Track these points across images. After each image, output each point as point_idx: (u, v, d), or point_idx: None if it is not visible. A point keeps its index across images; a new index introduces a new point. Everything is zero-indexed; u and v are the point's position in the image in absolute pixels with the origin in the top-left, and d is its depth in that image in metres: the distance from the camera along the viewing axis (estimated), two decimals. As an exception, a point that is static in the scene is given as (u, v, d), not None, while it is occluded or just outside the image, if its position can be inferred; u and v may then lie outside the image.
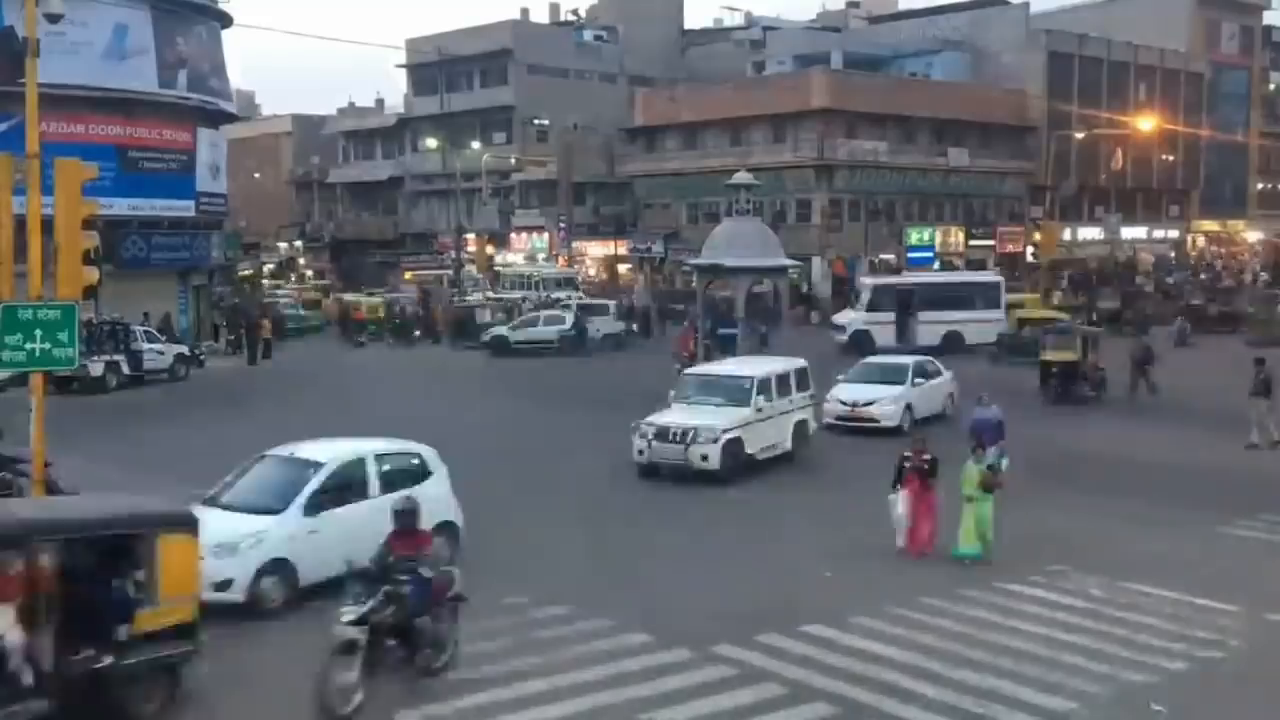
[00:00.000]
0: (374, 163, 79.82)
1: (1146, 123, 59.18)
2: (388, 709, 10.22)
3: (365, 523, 12.27)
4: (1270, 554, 15.61)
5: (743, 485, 19.36)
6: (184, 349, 36.56)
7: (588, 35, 74.38)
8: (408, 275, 69.89)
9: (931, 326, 38.67)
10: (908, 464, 15.21)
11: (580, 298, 49.53)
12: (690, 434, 19.46)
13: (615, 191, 68.27)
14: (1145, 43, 70.45)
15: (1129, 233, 70.14)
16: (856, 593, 13.55)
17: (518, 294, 52.65)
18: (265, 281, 71.38)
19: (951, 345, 36.86)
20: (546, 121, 65.69)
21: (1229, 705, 10.68)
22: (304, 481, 13.32)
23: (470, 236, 60.05)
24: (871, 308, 40.07)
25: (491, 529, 15.39)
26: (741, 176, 33.06)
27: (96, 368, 31.39)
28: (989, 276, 44.51)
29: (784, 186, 56.05)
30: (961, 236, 61.72)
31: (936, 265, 60.01)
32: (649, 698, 10.45)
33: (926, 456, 15.25)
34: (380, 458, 14.22)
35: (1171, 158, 72.77)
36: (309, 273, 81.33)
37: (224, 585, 12.24)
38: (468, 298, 52.12)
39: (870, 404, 24.26)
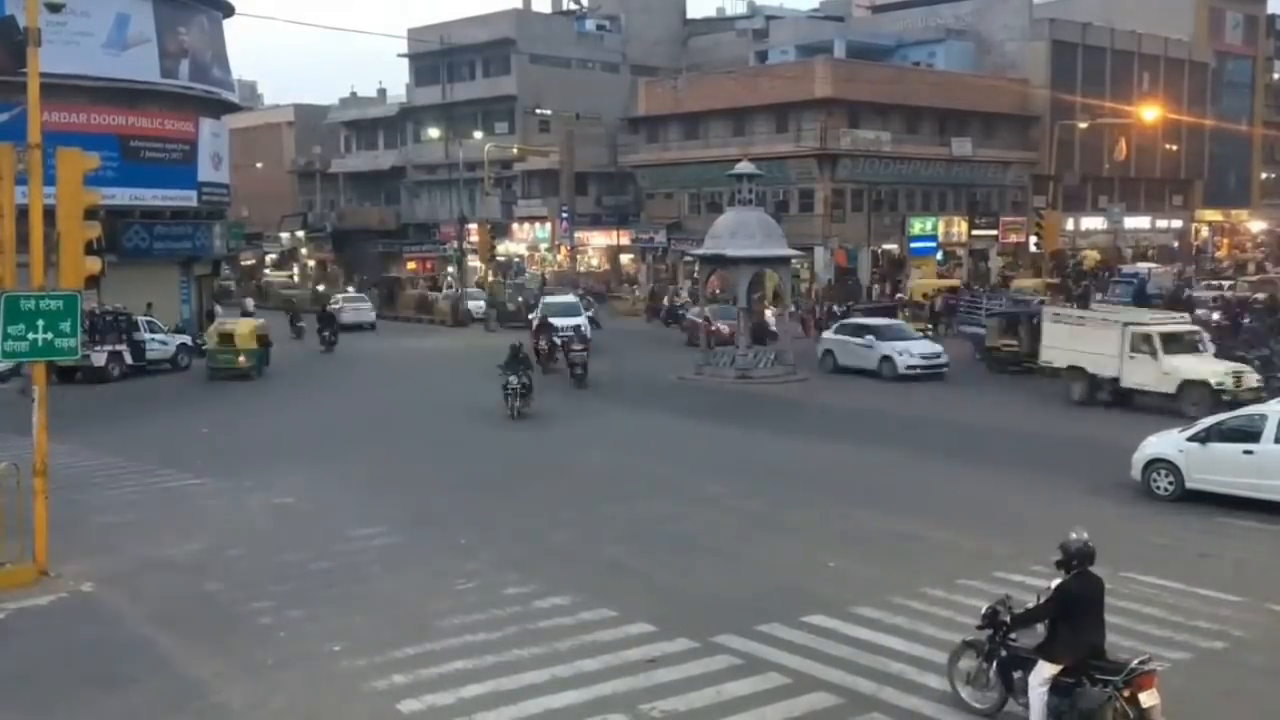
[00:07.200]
0: (376, 153, 79.76)
1: (1150, 112, 58.94)
2: (390, 697, 10.26)
3: None
4: (1272, 544, 15.60)
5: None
6: (186, 339, 36.76)
7: (590, 25, 74.25)
8: (410, 264, 69.99)
9: None
10: None
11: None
12: None
13: (618, 181, 68.24)
14: (1149, 31, 70.30)
15: (1132, 223, 70.10)
16: (858, 583, 13.55)
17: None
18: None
19: None
20: (549, 111, 65.60)
21: (1230, 695, 10.67)
22: None
23: (472, 226, 60.03)
24: None
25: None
26: (744, 166, 33.13)
27: (99, 358, 31.41)
28: None
29: (787, 176, 55.98)
30: (965, 227, 61.69)
31: (939, 255, 60.06)
32: (651, 687, 10.46)
33: None
34: None
35: (1175, 147, 72.59)
36: (311, 263, 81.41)
37: None
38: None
39: None
